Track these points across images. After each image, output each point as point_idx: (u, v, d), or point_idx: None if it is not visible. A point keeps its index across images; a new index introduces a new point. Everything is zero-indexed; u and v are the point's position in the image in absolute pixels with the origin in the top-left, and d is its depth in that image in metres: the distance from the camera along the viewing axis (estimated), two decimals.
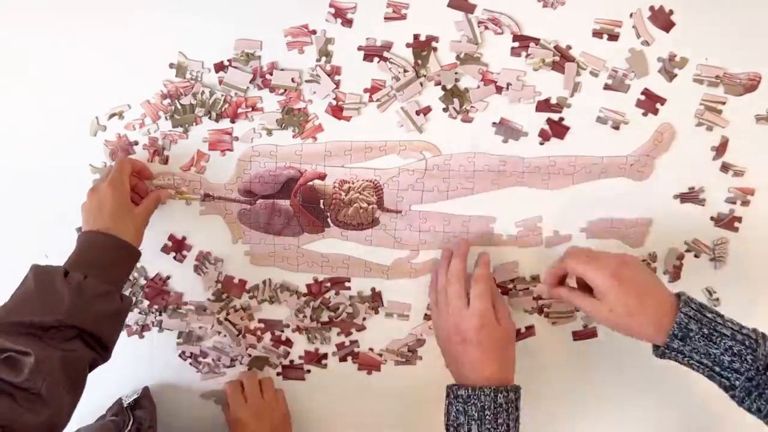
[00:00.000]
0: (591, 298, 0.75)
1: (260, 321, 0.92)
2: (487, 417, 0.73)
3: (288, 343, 0.93)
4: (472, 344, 0.77)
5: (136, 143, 0.86)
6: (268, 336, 0.93)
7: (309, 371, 0.94)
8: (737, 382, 0.67)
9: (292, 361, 0.94)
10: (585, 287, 0.77)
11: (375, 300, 0.91)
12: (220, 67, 0.84)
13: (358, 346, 0.93)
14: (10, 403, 0.62)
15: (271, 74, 0.84)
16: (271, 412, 0.90)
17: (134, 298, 0.89)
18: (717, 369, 0.69)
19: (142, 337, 0.92)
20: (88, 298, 0.70)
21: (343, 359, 0.94)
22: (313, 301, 0.91)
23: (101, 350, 0.72)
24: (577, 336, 0.92)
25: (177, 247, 0.89)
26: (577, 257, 0.77)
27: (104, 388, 0.87)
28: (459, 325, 0.79)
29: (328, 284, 0.91)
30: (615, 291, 0.72)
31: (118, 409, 0.87)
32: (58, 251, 0.89)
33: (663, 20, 0.81)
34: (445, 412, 0.77)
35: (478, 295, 0.80)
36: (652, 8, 0.81)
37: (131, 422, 0.84)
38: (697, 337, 0.69)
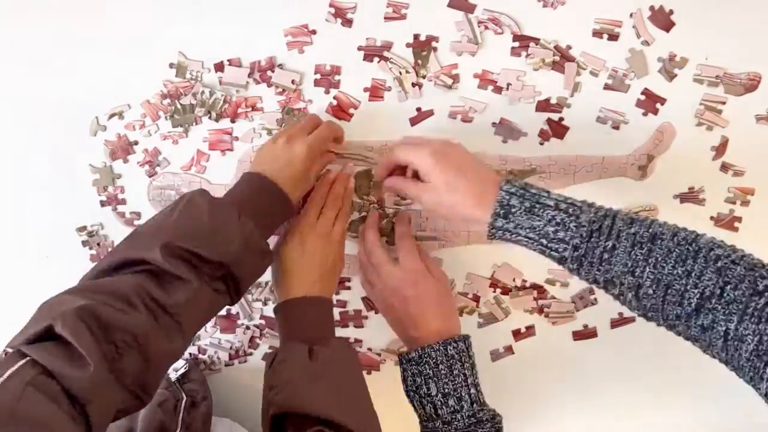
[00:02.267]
0: (417, 181, 0.75)
1: (262, 318, 0.92)
2: (443, 372, 0.74)
3: None
4: (411, 301, 0.78)
5: (137, 143, 0.86)
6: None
7: None
8: (566, 253, 0.66)
9: None
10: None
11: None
12: (220, 67, 0.84)
13: (361, 346, 0.93)
14: (152, 322, 0.60)
15: (272, 71, 0.84)
16: (334, 251, 0.81)
17: None
18: (544, 242, 0.67)
19: None
20: (250, 251, 0.69)
21: None
22: None
23: (236, 297, 0.71)
24: (577, 336, 0.92)
25: None
26: (401, 146, 0.77)
27: None
28: (395, 286, 0.79)
29: None
30: (435, 168, 0.71)
31: (166, 384, 0.86)
32: (59, 251, 0.90)
33: (663, 20, 0.81)
34: (402, 379, 0.78)
35: (405, 253, 0.80)
36: (652, 8, 0.81)
37: (184, 398, 0.83)
38: (519, 212, 0.67)
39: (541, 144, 0.85)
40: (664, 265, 0.61)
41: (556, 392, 0.95)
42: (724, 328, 0.58)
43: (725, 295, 0.58)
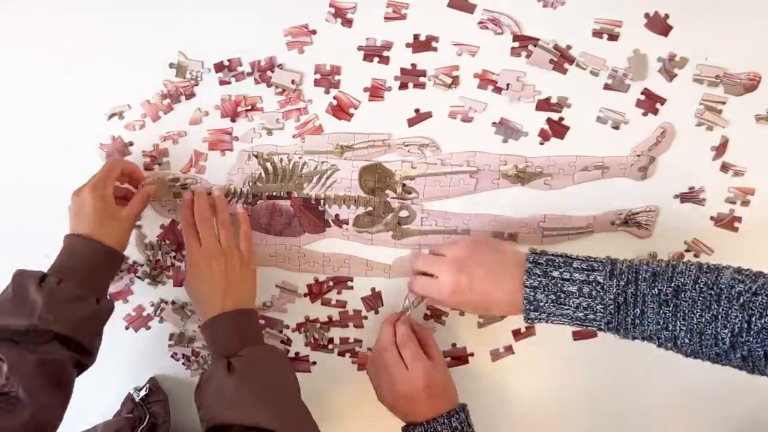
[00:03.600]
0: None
1: (262, 318, 0.92)
2: None
3: (288, 342, 0.93)
4: (422, 401, 0.80)
5: (131, 143, 0.86)
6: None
7: (315, 363, 0.94)
8: (600, 327, 0.70)
9: (297, 353, 0.94)
10: None
11: (375, 300, 0.91)
12: (220, 67, 0.84)
13: (361, 346, 0.93)
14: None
15: (272, 71, 0.84)
16: (226, 262, 0.81)
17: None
18: (578, 323, 0.70)
19: (148, 328, 0.93)
20: (61, 303, 0.71)
21: (341, 354, 0.94)
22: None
23: (81, 352, 0.73)
24: (577, 336, 0.92)
25: (177, 247, 0.89)
26: (418, 257, 0.83)
27: (114, 382, 0.89)
28: (404, 390, 0.81)
29: (331, 284, 0.91)
30: (460, 305, 0.80)
31: (131, 404, 0.87)
32: (58, 251, 0.89)
33: (660, 25, 0.81)
34: None
35: (411, 357, 0.81)
36: (647, 15, 0.81)
37: (147, 418, 0.84)
38: (546, 305, 0.70)
39: (541, 144, 0.85)
40: (692, 315, 0.65)
41: (556, 392, 0.95)
42: (762, 353, 0.63)
43: (753, 326, 0.62)
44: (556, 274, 0.70)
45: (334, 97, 0.85)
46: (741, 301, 0.63)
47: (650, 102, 0.84)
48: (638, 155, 0.85)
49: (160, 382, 0.93)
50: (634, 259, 0.70)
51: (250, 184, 0.87)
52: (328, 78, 0.84)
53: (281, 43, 0.83)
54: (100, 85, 0.85)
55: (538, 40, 0.82)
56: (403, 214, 0.88)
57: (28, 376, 0.67)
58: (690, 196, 0.87)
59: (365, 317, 0.92)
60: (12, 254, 0.90)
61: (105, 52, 0.84)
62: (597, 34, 0.82)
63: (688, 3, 0.80)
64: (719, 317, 0.64)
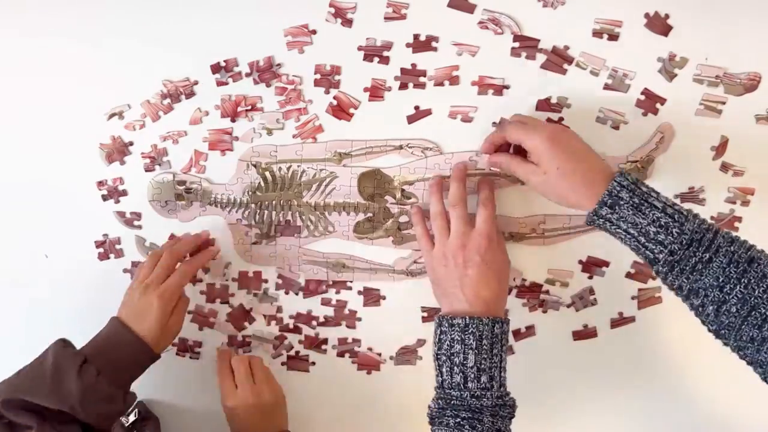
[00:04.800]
0: (527, 162, 0.76)
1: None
2: (484, 346, 0.74)
3: (296, 330, 0.93)
4: (476, 264, 0.77)
5: (131, 143, 0.86)
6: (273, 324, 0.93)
7: (314, 363, 0.94)
8: (660, 255, 0.68)
9: (298, 352, 0.94)
10: (523, 155, 0.78)
11: (376, 299, 0.91)
12: (216, 68, 0.84)
13: (360, 346, 0.93)
14: None
15: (272, 70, 0.84)
16: (260, 397, 0.86)
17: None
18: (642, 240, 0.69)
19: None
20: (94, 400, 0.73)
21: (340, 354, 0.94)
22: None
23: None
24: (577, 336, 0.92)
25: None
26: (514, 124, 0.78)
27: None
28: (465, 245, 0.78)
29: (330, 282, 0.91)
30: (549, 153, 0.73)
31: (122, 431, 0.87)
32: (59, 251, 0.90)
33: (660, 25, 0.81)
34: (436, 341, 0.76)
35: (485, 218, 0.79)
36: (647, 15, 0.81)
37: None
38: (626, 206, 0.69)
39: None
40: (755, 287, 0.64)
41: (556, 392, 0.95)
42: None
43: None
44: (644, 188, 0.70)
45: (334, 97, 0.85)
46: None
47: (650, 102, 0.84)
48: (635, 161, 0.85)
49: (150, 405, 0.94)
50: None
51: (250, 193, 0.88)
52: (328, 78, 0.84)
53: (281, 43, 0.83)
54: (100, 85, 0.85)
55: (539, 40, 0.82)
56: (403, 219, 0.88)
57: None
58: (690, 196, 0.87)
59: (359, 319, 0.92)
60: (12, 254, 0.90)
61: (105, 52, 0.84)
62: (597, 34, 0.82)
63: (688, 3, 0.80)
64: None
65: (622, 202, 0.69)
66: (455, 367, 0.74)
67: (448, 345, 0.75)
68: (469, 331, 0.74)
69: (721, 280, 0.66)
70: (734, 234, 0.69)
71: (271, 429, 0.86)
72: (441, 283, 0.80)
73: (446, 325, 0.75)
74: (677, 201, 0.85)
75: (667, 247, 0.67)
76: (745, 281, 0.65)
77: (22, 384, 0.72)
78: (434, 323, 0.78)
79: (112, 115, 0.86)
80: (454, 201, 0.81)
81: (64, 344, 0.77)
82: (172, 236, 0.89)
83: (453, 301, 0.78)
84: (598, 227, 0.73)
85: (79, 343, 0.78)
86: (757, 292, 0.64)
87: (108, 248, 0.90)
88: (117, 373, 0.77)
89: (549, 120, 0.84)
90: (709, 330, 0.69)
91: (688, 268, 0.67)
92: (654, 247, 0.68)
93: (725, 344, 0.68)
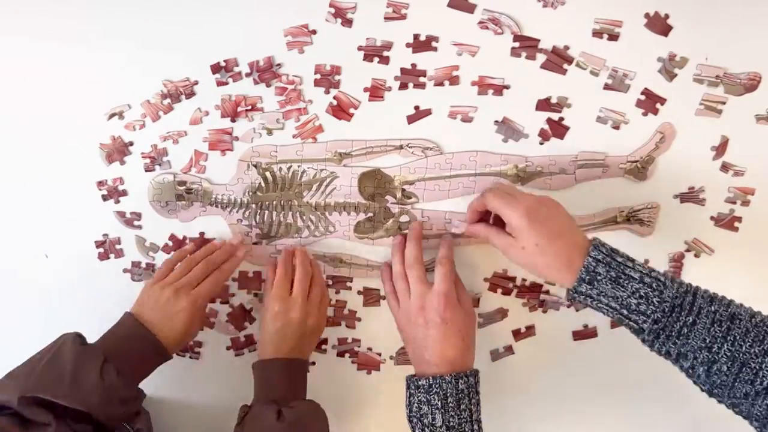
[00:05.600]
0: (505, 235, 0.76)
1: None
2: (450, 404, 0.74)
3: None
4: (436, 325, 0.78)
5: (131, 143, 0.86)
6: None
7: (314, 363, 0.94)
8: (645, 325, 0.68)
9: None
10: (503, 226, 0.77)
11: (376, 299, 0.91)
12: (216, 68, 0.84)
13: (360, 346, 0.93)
14: None
15: (272, 70, 0.84)
16: (308, 316, 0.84)
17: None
18: (625, 312, 0.69)
19: None
20: (114, 400, 0.73)
21: (340, 354, 0.94)
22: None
23: (106, 429, 0.75)
24: (577, 336, 0.92)
25: (177, 247, 0.89)
26: (495, 193, 0.77)
27: None
28: (423, 307, 0.79)
29: (330, 282, 0.91)
30: (527, 229, 0.72)
31: None
32: (58, 251, 0.90)
33: (659, 25, 0.81)
34: (407, 404, 0.78)
35: (442, 277, 0.80)
36: (647, 15, 0.81)
37: None
38: (604, 280, 0.69)
39: (541, 144, 0.85)
40: (742, 343, 0.65)
41: (555, 392, 0.95)
42: None
43: None
44: (619, 259, 0.70)
45: (334, 97, 0.85)
46: None
47: (650, 102, 0.84)
48: (634, 161, 0.85)
49: (147, 403, 0.93)
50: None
51: (250, 193, 0.88)
52: (328, 78, 0.84)
53: (281, 43, 0.83)
54: (101, 85, 0.85)
55: (539, 40, 0.82)
56: (404, 219, 0.88)
57: None
58: (690, 196, 0.87)
59: (359, 319, 0.92)
60: (12, 254, 0.90)
61: (105, 52, 0.84)
62: (597, 34, 0.82)
63: (688, 3, 0.81)
64: None
65: (599, 278, 0.69)
66: (426, 428, 0.76)
67: (416, 407, 0.76)
68: (433, 391, 0.75)
69: (708, 341, 0.66)
70: (711, 291, 0.69)
71: (297, 352, 0.83)
72: (409, 343, 0.82)
73: (413, 387, 0.77)
74: (677, 201, 0.86)
75: (650, 317, 0.68)
76: (731, 339, 0.65)
77: (39, 381, 0.70)
78: (404, 385, 0.80)
79: (112, 115, 0.86)
80: (409, 262, 0.82)
81: (80, 340, 0.75)
82: (176, 239, 0.89)
83: (420, 362, 0.79)
84: (579, 303, 0.74)
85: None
86: (744, 348, 0.64)
87: (108, 248, 0.89)
88: (134, 373, 0.76)
89: (549, 121, 0.84)
90: (702, 390, 0.69)
91: (674, 333, 0.67)
92: (637, 317, 0.68)
93: (720, 402, 0.69)
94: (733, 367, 0.65)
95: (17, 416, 0.68)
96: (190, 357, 0.93)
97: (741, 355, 0.64)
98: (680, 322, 0.67)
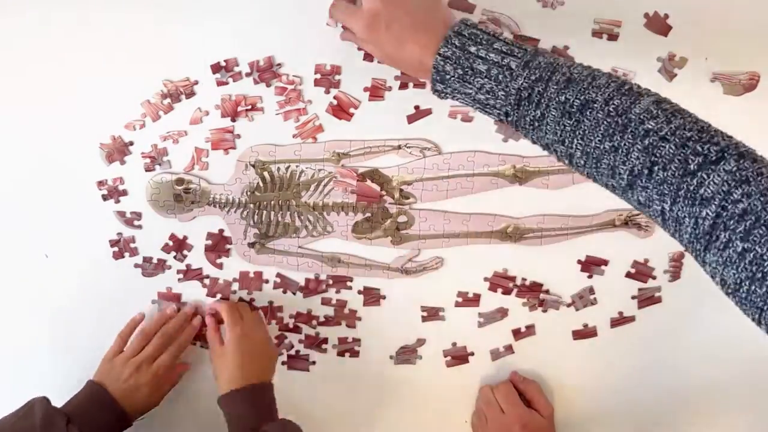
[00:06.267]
0: (360, 39, 0.74)
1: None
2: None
3: (296, 329, 0.94)
4: None
5: (132, 143, 0.86)
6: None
7: (314, 362, 0.94)
8: (501, 118, 0.64)
9: (298, 351, 0.94)
10: None
11: (376, 299, 0.91)
12: (217, 68, 0.84)
13: (360, 345, 0.93)
14: None
15: (272, 70, 0.84)
16: (251, 331, 0.88)
17: None
18: (479, 106, 0.65)
19: None
20: None
21: (340, 354, 0.94)
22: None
23: None
24: (577, 335, 0.92)
25: (177, 246, 0.90)
26: (337, 5, 0.77)
27: None
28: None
29: (330, 282, 0.91)
30: (372, 43, 0.72)
31: None
32: (58, 251, 0.90)
33: (659, 25, 0.81)
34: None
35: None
36: (647, 15, 0.81)
37: None
38: (453, 79, 0.65)
39: None
40: (591, 138, 0.57)
41: (555, 392, 0.95)
42: (660, 208, 0.54)
43: (654, 175, 0.53)
44: (473, 49, 0.64)
45: (335, 97, 0.85)
46: (646, 142, 0.54)
47: None
48: None
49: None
50: (562, 58, 0.62)
51: (248, 193, 0.88)
52: (328, 78, 0.84)
53: (281, 43, 0.83)
54: (101, 85, 0.85)
55: (539, 40, 0.82)
56: (402, 219, 0.88)
57: None
58: None
59: (359, 318, 0.92)
60: (12, 254, 0.90)
61: (105, 52, 0.84)
62: (597, 34, 0.82)
63: (688, 3, 0.80)
64: (620, 151, 0.55)
65: (448, 77, 0.65)
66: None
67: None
68: None
69: (559, 135, 0.59)
70: (576, 69, 0.60)
71: (254, 377, 0.85)
72: None
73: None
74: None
75: (500, 110, 0.63)
76: (580, 133, 0.57)
77: None
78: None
79: (112, 115, 0.86)
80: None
81: (48, 402, 0.80)
82: (176, 239, 0.89)
83: None
84: (444, 98, 0.69)
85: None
86: (593, 143, 0.57)
87: (123, 246, 0.90)
88: None
89: None
90: (585, 176, 0.62)
91: (527, 125, 0.62)
92: (491, 111, 0.64)
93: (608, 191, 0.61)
94: (589, 161, 0.58)
95: None
96: (201, 346, 0.93)
97: (593, 150, 0.57)
98: (530, 116, 0.61)
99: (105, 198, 0.88)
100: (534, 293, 0.91)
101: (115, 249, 0.90)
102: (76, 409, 0.81)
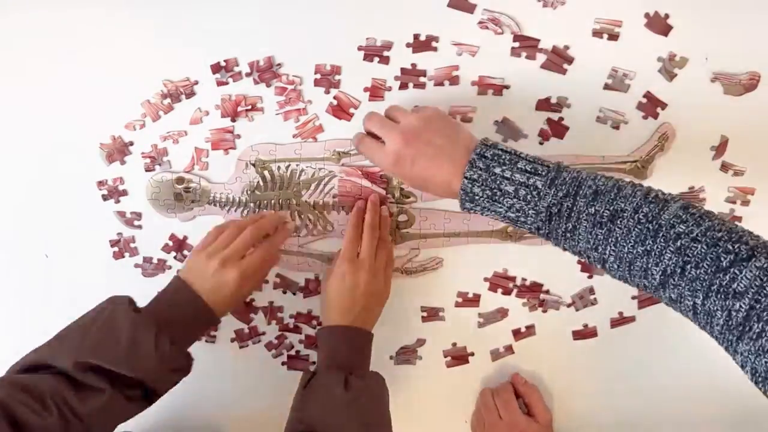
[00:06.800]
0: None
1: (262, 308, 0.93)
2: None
3: (296, 329, 0.93)
4: None
5: (132, 143, 0.86)
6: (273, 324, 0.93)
7: (314, 362, 0.94)
8: (534, 233, 0.68)
9: (298, 352, 0.94)
10: None
11: None
12: (217, 68, 0.84)
13: None
14: (63, 427, 0.65)
15: (272, 70, 0.84)
16: (375, 282, 0.83)
17: None
18: (509, 222, 0.69)
19: None
20: (167, 369, 0.74)
21: None
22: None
23: (148, 404, 0.75)
24: (577, 335, 0.92)
25: (177, 246, 0.90)
26: (373, 117, 0.78)
27: None
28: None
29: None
30: (401, 175, 0.76)
31: None
32: (58, 251, 0.90)
33: (659, 25, 0.81)
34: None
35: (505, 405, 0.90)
36: (647, 15, 0.81)
37: None
38: (482, 199, 0.68)
39: (541, 144, 0.85)
40: (624, 245, 0.61)
41: (555, 392, 0.95)
42: (691, 303, 0.57)
43: (687, 273, 0.57)
44: (498, 170, 0.67)
45: (335, 97, 0.85)
46: (678, 244, 0.58)
47: (650, 104, 0.83)
48: (635, 161, 0.85)
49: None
50: (584, 171, 0.66)
51: (248, 192, 0.88)
52: (328, 78, 0.84)
53: (281, 43, 0.83)
54: (101, 85, 0.85)
55: (539, 40, 0.82)
56: (402, 218, 0.88)
57: (111, 417, 0.71)
58: (690, 196, 0.87)
59: None
60: (12, 254, 0.90)
61: (105, 52, 0.84)
62: (597, 34, 0.82)
63: (688, 3, 0.80)
64: (652, 254, 0.59)
65: (477, 198, 0.68)
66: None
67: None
68: None
69: (592, 244, 0.63)
70: (602, 181, 0.64)
71: (361, 322, 0.82)
72: None
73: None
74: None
75: (531, 225, 0.67)
76: (613, 240, 0.61)
77: (95, 348, 0.70)
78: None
79: (112, 115, 0.86)
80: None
81: (133, 306, 0.75)
82: (176, 238, 0.89)
83: None
84: (474, 213, 0.72)
85: None
86: (626, 248, 0.61)
87: (123, 246, 0.90)
88: (185, 341, 0.77)
89: (548, 121, 0.84)
90: (615, 279, 0.66)
91: (560, 237, 0.66)
92: (521, 226, 0.68)
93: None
94: (623, 265, 0.62)
95: (69, 379, 0.68)
96: (207, 341, 0.93)
97: (625, 255, 0.61)
98: (561, 228, 0.65)
99: (105, 198, 0.88)
100: (534, 293, 0.91)
101: (115, 249, 0.90)
102: (163, 312, 0.76)
